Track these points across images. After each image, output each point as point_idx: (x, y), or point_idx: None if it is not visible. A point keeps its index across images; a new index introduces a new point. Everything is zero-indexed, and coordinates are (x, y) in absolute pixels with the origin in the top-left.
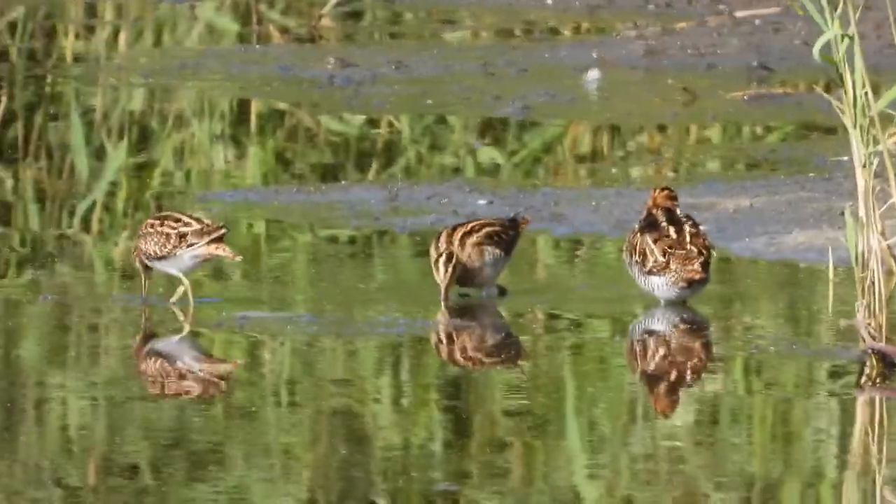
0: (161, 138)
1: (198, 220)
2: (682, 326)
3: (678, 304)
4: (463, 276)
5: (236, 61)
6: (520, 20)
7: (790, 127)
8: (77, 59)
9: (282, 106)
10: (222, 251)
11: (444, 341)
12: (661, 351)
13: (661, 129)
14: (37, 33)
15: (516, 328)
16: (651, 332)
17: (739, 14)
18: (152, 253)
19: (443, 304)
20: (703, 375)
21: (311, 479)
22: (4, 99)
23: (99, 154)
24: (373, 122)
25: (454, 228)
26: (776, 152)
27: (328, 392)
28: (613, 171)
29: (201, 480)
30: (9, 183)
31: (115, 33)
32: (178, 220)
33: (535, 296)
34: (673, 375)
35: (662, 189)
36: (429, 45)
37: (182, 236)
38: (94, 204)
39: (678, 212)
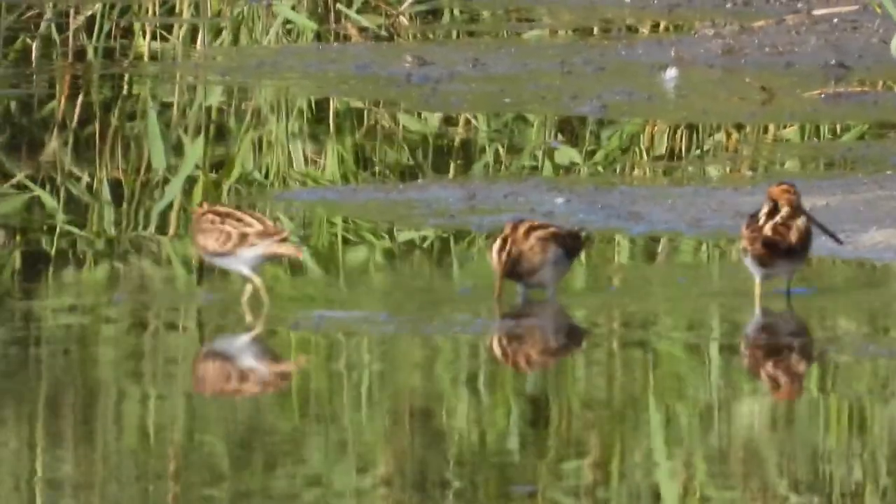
0: (238, 136)
1: (259, 220)
2: (757, 325)
3: (753, 301)
4: (523, 270)
5: (313, 59)
6: (597, 18)
7: (868, 125)
8: (154, 57)
9: (359, 104)
10: (285, 249)
11: (518, 341)
12: (737, 351)
13: (739, 127)
14: (113, 32)
15: (591, 327)
16: (726, 332)
17: (817, 12)
18: (212, 249)
19: (496, 296)
20: (780, 375)
21: (384, 477)
22: (82, 97)
23: (176, 152)
24: (450, 121)
25: (519, 222)
26: (853, 151)
27: (403, 391)
28: (690, 169)
29: (275, 476)
30: (86, 180)
31: (193, 32)
32: (239, 220)
33: (609, 294)
34: (748, 375)
35: (780, 184)
36: (506, 43)
37: (244, 236)
38: (171, 202)
39: (790, 205)
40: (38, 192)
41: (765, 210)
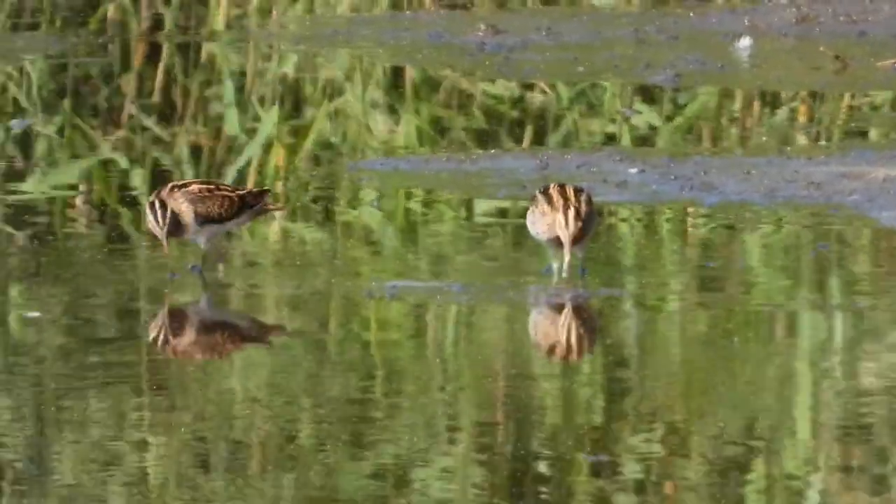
0: (312, 106)
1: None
2: (809, 299)
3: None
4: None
5: (387, 28)
6: None
7: None
8: (229, 26)
9: (433, 73)
10: None
11: (580, 311)
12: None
13: (813, 96)
14: (190, 1)
15: (643, 298)
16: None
17: None
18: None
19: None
20: (828, 349)
21: (471, 445)
22: (159, 66)
23: (251, 120)
24: (524, 89)
25: (562, 187)
26: None
27: (478, 361)
28: (764, 139)
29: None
30: (165, 148)
31: (267, 0)
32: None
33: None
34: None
35: None
36: (579, 11)
37: None
38: (245, 168)
39: None
40: (117, 158)
41: None
